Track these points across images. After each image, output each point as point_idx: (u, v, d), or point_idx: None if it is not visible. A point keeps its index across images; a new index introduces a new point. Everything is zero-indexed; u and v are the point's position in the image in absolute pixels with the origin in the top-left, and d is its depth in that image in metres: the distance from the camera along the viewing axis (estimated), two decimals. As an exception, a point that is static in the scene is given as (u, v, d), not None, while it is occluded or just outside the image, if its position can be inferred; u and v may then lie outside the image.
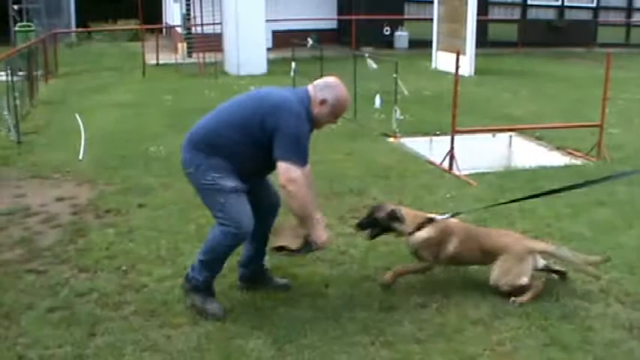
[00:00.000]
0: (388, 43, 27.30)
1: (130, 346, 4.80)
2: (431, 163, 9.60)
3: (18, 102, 12.28)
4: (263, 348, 4.75)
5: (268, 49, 21.30)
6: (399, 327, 5.01)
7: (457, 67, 9.23)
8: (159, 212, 7.62)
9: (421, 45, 23.59)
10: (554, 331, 4.96)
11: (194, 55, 22.43)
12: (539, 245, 5.72)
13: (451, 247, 5.55)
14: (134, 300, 5.47)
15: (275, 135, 4.88)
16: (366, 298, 5.47)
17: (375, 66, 13.48)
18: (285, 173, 4.83)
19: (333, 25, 29.30)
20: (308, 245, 5.15)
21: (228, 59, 21.36)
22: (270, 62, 20.83)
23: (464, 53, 18.17)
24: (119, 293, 5.62)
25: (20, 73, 13.85)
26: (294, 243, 5.18)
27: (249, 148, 5.00)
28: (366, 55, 14.52)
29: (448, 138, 9.37)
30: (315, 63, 15.56)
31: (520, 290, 5.39)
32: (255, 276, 5.65)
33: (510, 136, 11.26)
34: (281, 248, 5.25)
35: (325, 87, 5.18)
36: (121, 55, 26.69)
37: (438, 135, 10.80)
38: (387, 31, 27.79)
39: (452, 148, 9.17)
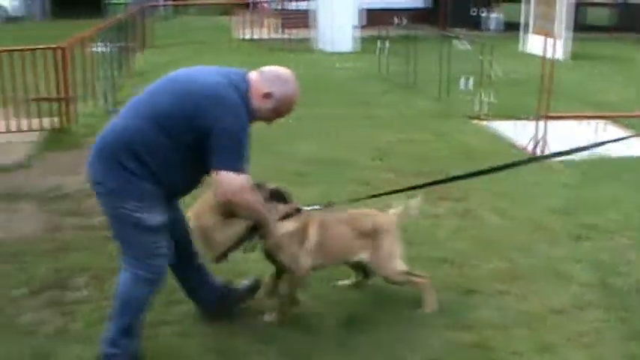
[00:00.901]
0: (478, 24, 26.88)
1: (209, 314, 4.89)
2: (517, 147, 9.46)
3: (115, 72, 12.55)
4: (340, 325, 4.78)
5: (359, 27, 21.22)
6: (479, 312, 4.97)
7: (549, 50, 9.05)
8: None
9: (513, 27, 23.15)
10: (636, 325, 4.84)
11: (283, 30, 22.50)
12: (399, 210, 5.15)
13: (313, 238, 4.64)
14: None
15: (209, 136, 3.88)
16: (445, 280, 5.44)
17: (463, 47, 13.33)
18: (229, 186, 3.91)
19: (426, 3, 28.92)
20: (251, 233, 4.42)
21: (317, 35, 21.37)
22: (360, 40, 20.76)
23: (558, 37, 17.76)
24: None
25: (115, 45, 14.12)
26: (231, 238, 4.37)
27: (179, 155, 3.98)
28: (457, 35, 14.36)
29: (537, 122, 9.21)
30: (405, 42, 15.45)
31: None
32: (219, 301, 4.85)
33: (600, 124, 10.98)
34: (224, 255, 4.45)
35: (275, 79, 4.22)
36: (211, 29, 26.95)
37: (526, 119, 10.63)
38: (474, 12, 27.35)
39: (540, 132, 9.01)
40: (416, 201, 5.20)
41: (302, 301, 4.93)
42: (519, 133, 9.91)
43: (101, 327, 4.66)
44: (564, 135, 9.32)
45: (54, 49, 10.01)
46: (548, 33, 9.84)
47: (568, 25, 18.83)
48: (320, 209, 4.82)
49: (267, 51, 20.41)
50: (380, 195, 5.25)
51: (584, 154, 8.54)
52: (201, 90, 3.96)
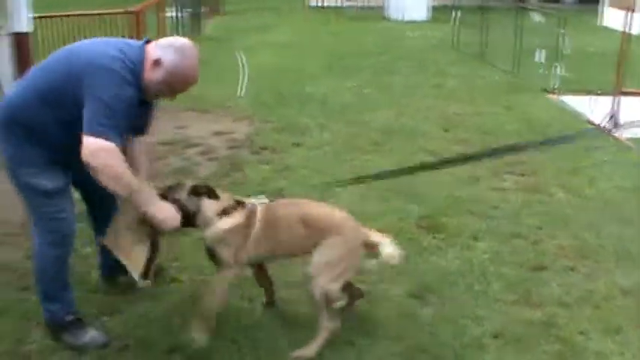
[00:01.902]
0: (555, -5, 26.34)
1: (276, 281, 4.93)
2: (591, 123, 9.27)
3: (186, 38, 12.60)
4: (406, 295, 4.78)
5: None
6: (546, 288, 4.91)
7: (627, 24, 8.83)
8: (314, 152, 7.74)
9: (590, 0, 22.65)
10: None
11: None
12: (375, 235, 4.26)
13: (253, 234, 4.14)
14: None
15: (85, 102, 3.69)
16: (513, 255, 5.39)
17: (540, 19, 13.08)
18: (87, 147, 3.63)
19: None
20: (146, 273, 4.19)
21: (390, 4, 21.19)
22: (432, 9, 20.53)
23: (636, 9, 17.28)
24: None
25: (186, 10, 14.23)
26: (134, 259, 4.14)
27: (66, 126, 3.83)
28: (532, 7, 14.10)
29: (611, 98, 9.02)
30: (478, 13, 15.26)
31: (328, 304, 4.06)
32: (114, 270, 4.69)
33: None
34: (147, 270, 4.24)
35: (168, 46, 3.90)
36: (283, -5, 26.98)
37: (600, 95, 10.40)
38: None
39: (615, 109, 8.82)
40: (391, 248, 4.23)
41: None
42: (593, 108, 9.70)
43: (169, 287, 4.76)
44: (638, 112, 9.11)
45: (128, 13, 10.13)
46: (629, 6, 9.53)
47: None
48: (267, 201, 4.33)
49: (339, 18, 20.34)
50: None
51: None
52: (85, 61, 3.75)
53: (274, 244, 4.19)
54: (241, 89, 10.77)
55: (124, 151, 3.86)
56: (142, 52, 3.86)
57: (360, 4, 21.26)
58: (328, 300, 4.02)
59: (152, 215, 3.88)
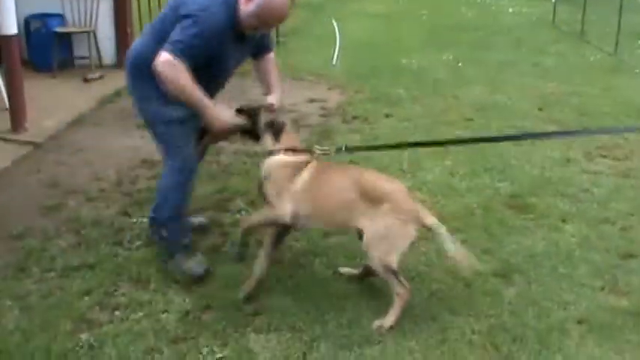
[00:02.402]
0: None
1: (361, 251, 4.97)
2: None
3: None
4: (488, 274, 4.73)
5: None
6: (634, 277, 4.79)
7: None
8: (405, 124, 7.74)
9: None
10: None
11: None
12: (429, 217, 4.15)
13: (299, 181, 4.20)
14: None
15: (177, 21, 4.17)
16: (602, 240, 5.28)
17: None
18: (158, 59, 4.07)
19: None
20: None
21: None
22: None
23: None
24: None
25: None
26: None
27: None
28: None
29: None
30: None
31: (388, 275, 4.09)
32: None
33: None
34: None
35: None
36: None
37: None
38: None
39: None
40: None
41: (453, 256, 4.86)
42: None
43: (255, 249, 4.82)
44: None
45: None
46: None
47: None
48: (329, 153, 4.49)
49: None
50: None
51: None
52: None
53: (316, 203, 4.19)
54: (335, 58, 10.79)
55: (257, 69, 4.77)
56: None
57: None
58: (390, 271, 4.06)
59: (208, 116, 4.29)
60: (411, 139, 7.17)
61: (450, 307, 4.35)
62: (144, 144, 7.01)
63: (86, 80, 9.58)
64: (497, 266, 4.83)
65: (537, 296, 4.50)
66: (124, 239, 5.10)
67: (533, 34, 13.94)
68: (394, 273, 4.07)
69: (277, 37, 11.80)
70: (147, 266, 4.72)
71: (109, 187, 6.09)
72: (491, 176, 6.36)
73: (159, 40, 4.21)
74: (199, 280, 4.56)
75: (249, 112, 4.43)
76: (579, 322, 4.26)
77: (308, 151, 4.41)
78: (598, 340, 4.10)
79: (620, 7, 12.22)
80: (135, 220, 5.41)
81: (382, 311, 4.22)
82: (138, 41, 4.62)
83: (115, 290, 4.47)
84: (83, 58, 10.27)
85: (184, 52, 4.08)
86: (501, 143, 7.06)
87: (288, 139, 4.37)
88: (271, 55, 4.85)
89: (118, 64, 10.18)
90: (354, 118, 7.93)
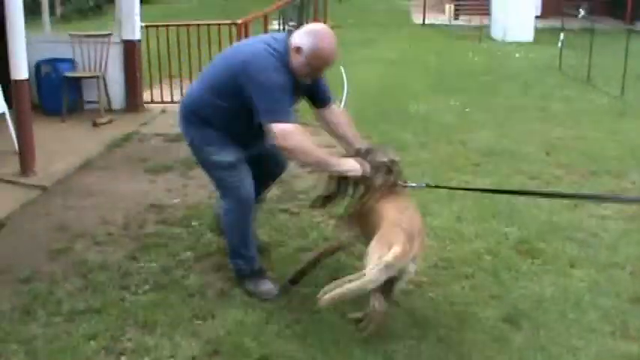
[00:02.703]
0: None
1: (369, 296, 4.95)
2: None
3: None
4: (496, 320, 4.71)
5: (536, 17, 20.71)
6: (644, 322, 4.79)
7: None
8: (412, 169, 7.69)
9: None
10: None
11: (461, 17, 22.27)
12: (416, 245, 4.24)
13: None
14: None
15: (252, 96, 4.43)
16: (611, 285, 5.25)
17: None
18: (277, 133, 4.37)
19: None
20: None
21: (494, 24, 21.02)
22: (537, 30, 20.25)
23: None
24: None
25: (291, 23, 14.41)
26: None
27: (233, 112, 4.62)
28: (642, 31, 13.80)
29: None
30: (584, 35, 14.98)
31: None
32: None
33: None
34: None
35: (305, 33, 4.52)
36: (388, 12, 27.01)
37: None
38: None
39: None
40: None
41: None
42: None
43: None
44: None
45: (233, 24, 10.36)
46: None
47: None
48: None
49: (444, 37, 20.29)
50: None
51: None
52: (242, 56, 4.56)
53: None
54: (343, 103, 10.84)
55: (326, 121, 4.97)
56: (286, 42, 4.52)
57: (465, 23, 21.13)
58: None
59: (339, 169, 4.57)
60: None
61: (459, 353, 4.32)
62: (152, 188, 7.05)
63: (95, 124, 9.65)
64: (506, 312, 4.80)
65: (546, 342, 4.47)
66: (131, 283, 5.10)
67: (539, 79, 14.01)
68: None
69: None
70: (154, 311, 4.71)
71: (117, 231, 6.10)
72: (498, 221, 6.35)
73: (216, 95, 4.62)
74: (275, 297, 4.87)
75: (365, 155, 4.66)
76: (589, 368, 4.23)
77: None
78: (608, 386, 4.07)
79: (626, 50, 12.29)
80: (142, 264, 5.41)
81: (389, 357, 4.21)
82: (192, 89, 4.94)
83: (122, 335, 4.46)
84: (92, 102, 10.36)
85: (289, 112, 4.46)
86: (508, 189, 7.07)
87: None
88: (334, 105, 5.07)
89: (127, 109, 10.28)
90: (362, 163, 7.93)
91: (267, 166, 5.18)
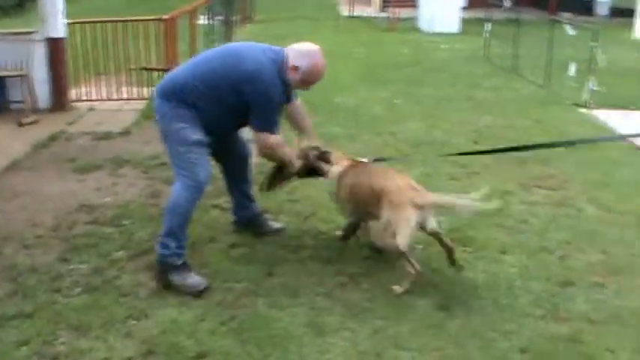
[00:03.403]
0: (588, 9, 26.14)
1: (304, 289, 4.96)
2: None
3: (216, 45, 12.72)
4: (431, 308, 4.77)
5: (463, 8, 20.95)
6: (573, 304, 4.88)
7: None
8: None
9: (623, 13, 22.50)
10: None
11: (388, 9, 22.40)
12: (428, 198, 5.04)
13: (347, 181, 5.35)
14: (312, 245, 5.64)
15: (251, 104, 4.96)
16: (541, 269, 5.37)
17: (572, 32, 13.03)
18: (263, 142, 5.11)
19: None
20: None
21: (421, 16, 21.20)
22: (463, 21, 20.50)
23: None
24: (298, 237, 5.82)
25: (218, 18, 14.31)
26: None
27: (217, 107, 5.02)
28: (565, 20, 14.07)
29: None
30: (509, 25, 15.25)
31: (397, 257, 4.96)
32: (248, 222, 5.92)
33: None
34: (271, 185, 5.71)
35: (301, 55, 5.11)
36: (315, 5, 27.04)
37: (633, 109, 10.34)
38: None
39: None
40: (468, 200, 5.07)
41: (394, 287, 4.94)
42: (624, 123, 9.64)
43: (198, 293, 4.80)
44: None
45: (160, 20, 10.24)
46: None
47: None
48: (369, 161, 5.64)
49: (372, 29, 20.38)
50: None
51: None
52: (251, 66, 4.95)
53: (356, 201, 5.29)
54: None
55: (289, 113, 5.55)
56: (283, 57, 5.07)
57: (392, 14, 21.26)
58: (399, 253, 4.87)
59: (291, 164, 5.41)
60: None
61: (395, 343, 4.36)
62: (81, 188, 6.94)
63: (21, 124, 9.44)
64: (440, 300, 4.85)
65: (480, 327, 4.54)
66: (62, 286, 5.01)
67: (466, 70, 14.18)
68: (403, 255, 4.85)
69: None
70: (86, 313, 4.64)
71: (46, 232, 5.98)
72: (430, 210, 6.41)
73: (206, 85, 4.98)
74: (199, 294, 4.88)
75: (303, 155, 5.49)
76: (522, 351, 4.31)
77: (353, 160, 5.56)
78: (541, 368, 4.15)
79: (551, 40, 12.53)
80: (73, 266, 5.32)
81: (325, 350, 4.23)
82: (177, 73, 5.25)
83: (54, 339, 4.37)
84: (18, 102, 10.14)
85: (274, 123, 5.09)
86: (438, 178, 7.15)
87: (339, 158, 5.55)
88: (299, 101, 5.67)
89: (54, 108, 10.08)
90: (293, 156, 7.92)
91: (234, 148, 5.66)
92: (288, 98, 5.30)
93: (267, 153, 5.23)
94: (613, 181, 7.35)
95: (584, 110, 10.77)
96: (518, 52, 13.95)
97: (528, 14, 18.05)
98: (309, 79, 5.18)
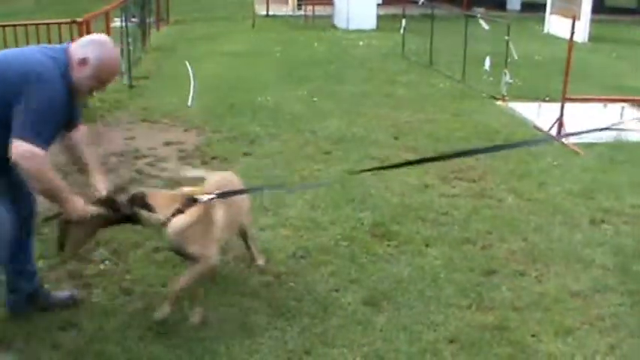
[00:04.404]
0: (500, 4, 26.62)
1: (230, 290, 4.92)
2: (538, 129, 9.40)
3: (131, 48, 12.56)
4: (358, 303, 4.79)
5: (378, 5, 21.10)
6: (497, 292, 4.97)
7: (572, 33, 8.98)
8: (264, 161, 7.73)
9: (534, 8, 23.02)
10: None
11: (304, 7, 22.42)
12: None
13: (219, 217, 4.47)
14: (236, 247, 5.58)
15: (17, 108, 3.81)
16: (465, 260, 5.44)
17: (486, 27, 13.24)
18: (17, 148, 3.76)
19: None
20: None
21: (337, 13, 21.27)
22: (379, 18, 20.65)
23: (578, 18, 17.59)
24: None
25: (133, 20, 14.12)
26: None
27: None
28: (478, 15, 14.31)
29: (557, 105, 9.15)
30: (425, 21, 15.42)
31: None
32: (32, 297, 4.67)
33: (623, 107, 10.88)
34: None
35: (89, 44, 4.11)
36: (231, 5, 26.83)
37: (547, 101, 10.56)
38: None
39: (561, 115, 8.95)
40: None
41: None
42: (540, 114, 9.84)
43: (122, 299, 4.72)
44: (583, 118, 9.28)
45: (74, 23, 10.03)
46: (569, 14, 9.71)
47: (588, 6, 18.61)
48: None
49: (289, 28, 20.36)
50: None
51: (604, 137, 8.51)
52: (16, 70, 3.91)
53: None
54: (190, 99, 10.72)
55: (66, 144, 4.36)
56: (66, 54, 4.03)
57: (308, 13, 21.30)
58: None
59: (67, 208, 4.08)
60: (271, 175, 7.20)
61: (323, 340, 4.36)
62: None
63: None
64: (366, 295, 4.88)
65: (407, 320, 4.58)
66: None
67: (384, 66, 14.28)
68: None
69: (130, 80, 11.65)
70: (9, 325, 4.50)
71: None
72: (352, 207, 6.44)
73: None
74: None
75: (107, 203, 4.28)
76: (450, 341, 4.37)
77: (191, 199, 4.38)
78: (468, 357, 4.23)
79: (465, 36, 12.71)
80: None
81: (254, 350, 4.21)
82: None
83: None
84: None
85: (41, 135, 3.83)
86: (359, 174, 7.20)
87: (159, 198, 4.38)
88: (82, 127, 4.48)
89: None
90: (213, 158, 7.86)
91: (20, 196, 4.34)
92: (71, 116, 4.24)
93: (23, 167, 3.83)
94: (531, 172, 7.50)
95: (500, 103, 10.96)
96: (434, 48, 14.13)
97: (443, 10, 18.29)
98: (102, 75, 4.08)
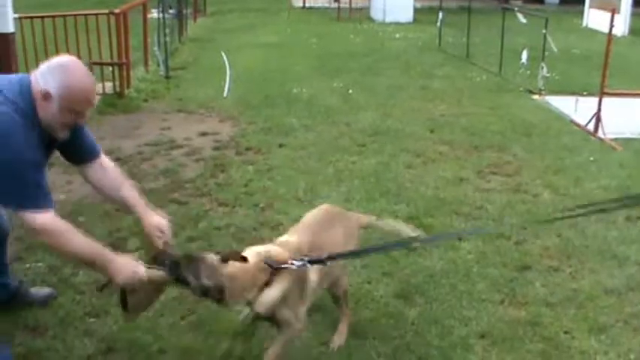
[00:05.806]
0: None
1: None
2: (575, 123, 9.31)
3: (168, 39, 12.62)
4: (391, 296, 4.79)
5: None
6: (530, 288, 4.94)
7: (611, 26, 8.88)
8: (298, 153, 7.75)
9: (573, 1, 22.75)
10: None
11: (339, -1, 22.41)
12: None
13: (313, 278, 3.83)
14: (269, 237, 5.59)
15: None
16: (498, 255, 5.41)
17: (523, 20, 13.14)
18: (30, 225, 3.43)
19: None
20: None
21: (374, 5, 21.22)
22: (416, 10, 20.56)
23: (618, 11, 17.37)
24: (255, 229, 5.79)
25: (170, 11, 14.22)
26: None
27: None
28: (516, 9, 14.20)
29: (595, 99, 9.06)
30: (462, 14, 15.34)
31: None
32: (7, 298, 4.54)
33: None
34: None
35: (48, 72, 3.42)
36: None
37: (584, 95, 10.45)
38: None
39: (599, 110, 8.85)
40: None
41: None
42: (577, 109, 9.74)
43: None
44: (621, 113, 9.18)
45: (111, 14, 10.11)
46: (608, 7, 9.59)
47: (628, 0, 18.37)
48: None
49: (325, 19, 20.35)
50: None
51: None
52: None
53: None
54: (226, 90, 10.78)
55: (96, 185, 3.92)
56: (27, 88, 3.44)
57: (345, 5, 21.26)
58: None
59: (110, 270, 3.50)
60: (305, 167, 7.21)
61: (355, 332, 4.35)
62: (34, 186, 6.81)
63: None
64: (398, 288, 4.88)
65: (439, 315, 4.57)
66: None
67: (420, 59, 14.22)
68: None
69: (167, 71, 11.73)
70: (43, 312, 4.56)
71: None
72: (387, 200, 6.44)
73: None
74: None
75: (170, 265, 3.53)
76: (482, 336, 4.35)
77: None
78: (500, 352, 4.20)
79: (502, 29, 12.62)
80: (29, 265, 5.21)
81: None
82: None
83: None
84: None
85: (37, 197, 3.45)
86: (394, 167, 7.18)
87: (239, 273, 3.59)
88: (104, 158, 4.00)
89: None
90: (248, 149, 7.90)
91: None
92: (73, 149, 3.88)
93: (45, 242, 3.54)
94: (566, 167, 7.44)
95: (536, 97, 10.87)
96: (470, 41, 14.04)
97: (480, 3, 18.17)
98: (72, 105, 3.42)
